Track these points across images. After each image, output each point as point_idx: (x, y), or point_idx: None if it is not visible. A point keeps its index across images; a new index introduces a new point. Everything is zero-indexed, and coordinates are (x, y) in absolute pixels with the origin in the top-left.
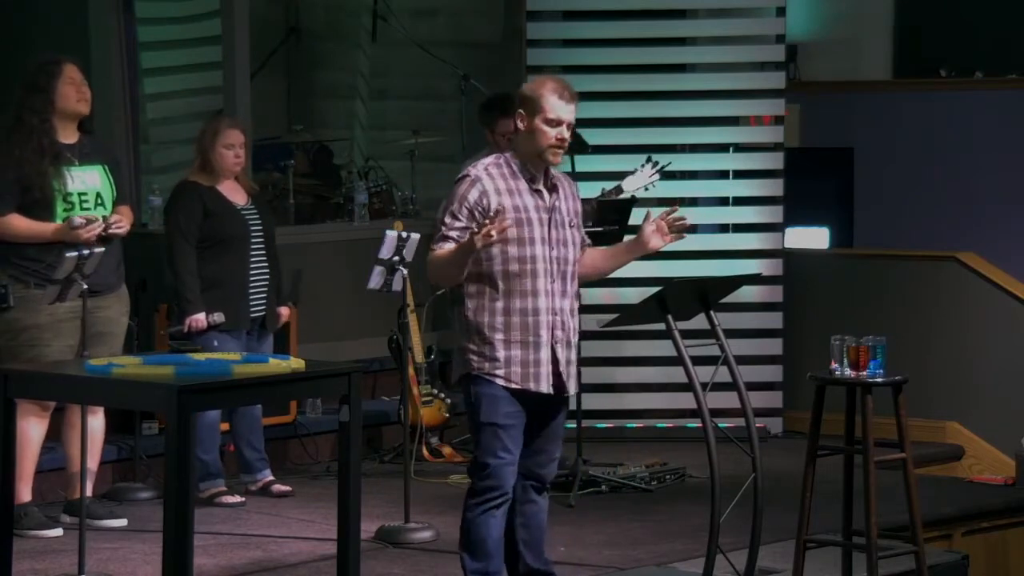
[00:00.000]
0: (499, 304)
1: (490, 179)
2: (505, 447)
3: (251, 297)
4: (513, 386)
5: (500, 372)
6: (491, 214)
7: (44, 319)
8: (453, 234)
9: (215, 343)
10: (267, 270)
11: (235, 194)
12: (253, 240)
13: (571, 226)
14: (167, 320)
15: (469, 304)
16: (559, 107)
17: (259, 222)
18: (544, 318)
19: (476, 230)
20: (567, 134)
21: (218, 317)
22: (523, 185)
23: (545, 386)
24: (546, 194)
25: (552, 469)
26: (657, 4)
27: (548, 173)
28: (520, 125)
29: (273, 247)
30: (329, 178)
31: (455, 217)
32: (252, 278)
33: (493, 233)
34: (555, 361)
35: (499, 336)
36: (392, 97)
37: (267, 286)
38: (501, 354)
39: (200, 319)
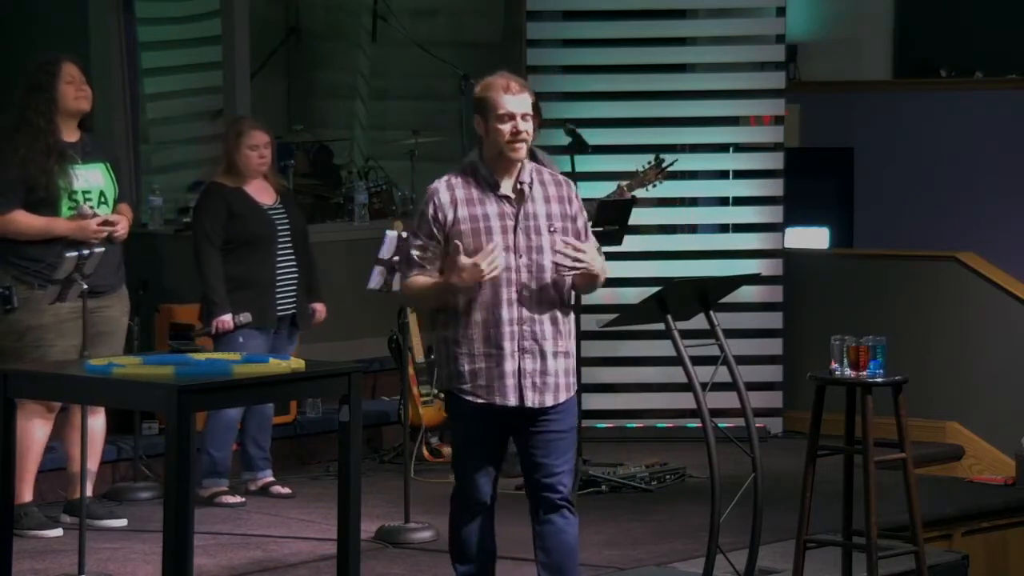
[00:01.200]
0: (462, 317)
1: (448, 190)
2: (477, 460)
3: (278, 295)
4: (479, 400)
5: (466, 387)
6: (449, 227)
7: (48, 320)
8: (415, 253)
9: (240, 339)
10: (295, 269)
11: (262, 194)
12: (280, 239)
13: (551, 231)
14: (199, 321)
15: (438, 318)
16: (508, 101)
17: (286, 221)
18: (506, 329)
19: (458, 265)
20: (524, 125)
21: (245, 317)
22: (487, 193)
23: (512, 399)
24: (514, 199)
25: (559, 482)
26: (657, 4)
27: (519, 177)
28: (479, 131)
29: (305, 245)
30: (329, 178)
31: (416, 235)
32: (279, 277)
33: (483, 270)
34: (520, 373)
35: (463, 350)
36: (392, 97)
37: (296, 285)
38: (465, 368)
39: (227, 320)
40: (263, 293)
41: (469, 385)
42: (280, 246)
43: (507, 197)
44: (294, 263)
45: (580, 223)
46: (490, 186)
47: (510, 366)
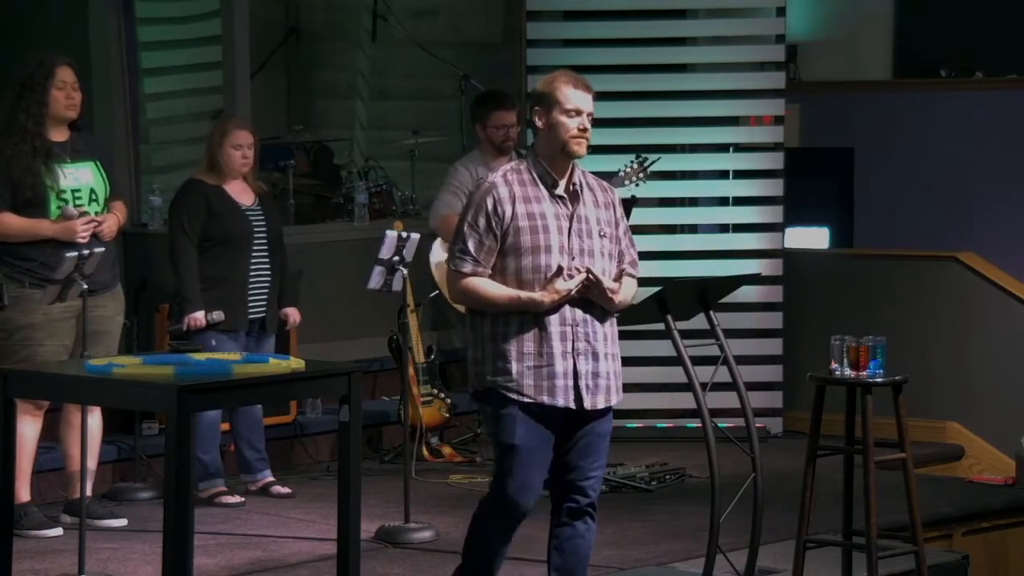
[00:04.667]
0: (512, 316)
1: (506, 186)
2: (522, 468)
3: (251, 298)
4: (526, 400)
5: (513, 385)
6: (507, 223)
7: (39, 319)
8: (472, 246)
9: (213, 343)
10: (269, 272)
11: (242, 194)
12: (256, 241)
13: (601, 236)
14: (168, 318)
15: (485, 314)
16: (576, 96)
17: (263, 223)
18: (557, 329)
19: (553, 288)
20: (589, 124)
21: (217, 316)
22: (542, 192)
23: (562, 400)
24: (568, 201)
25: (591, 487)
26: (657, 4)
27: (571, 178)
28: (539, 123)
29: (280, 248)
30: (329, 178)
31: (472, 228)
32: (252, 279)
33: (572, 288)
34: (576, 374)
35: (512, 348)
36: (392, 97)
37: (268, 288)
38: (514, 367)
39: (199, 317)
40: (235, 294)
41: (516, 383)
42: (255, 248)
43: (561, 197)
44: (268, 266)
45: (621, 229)
46: (547, 185)
47: (561, 367)
